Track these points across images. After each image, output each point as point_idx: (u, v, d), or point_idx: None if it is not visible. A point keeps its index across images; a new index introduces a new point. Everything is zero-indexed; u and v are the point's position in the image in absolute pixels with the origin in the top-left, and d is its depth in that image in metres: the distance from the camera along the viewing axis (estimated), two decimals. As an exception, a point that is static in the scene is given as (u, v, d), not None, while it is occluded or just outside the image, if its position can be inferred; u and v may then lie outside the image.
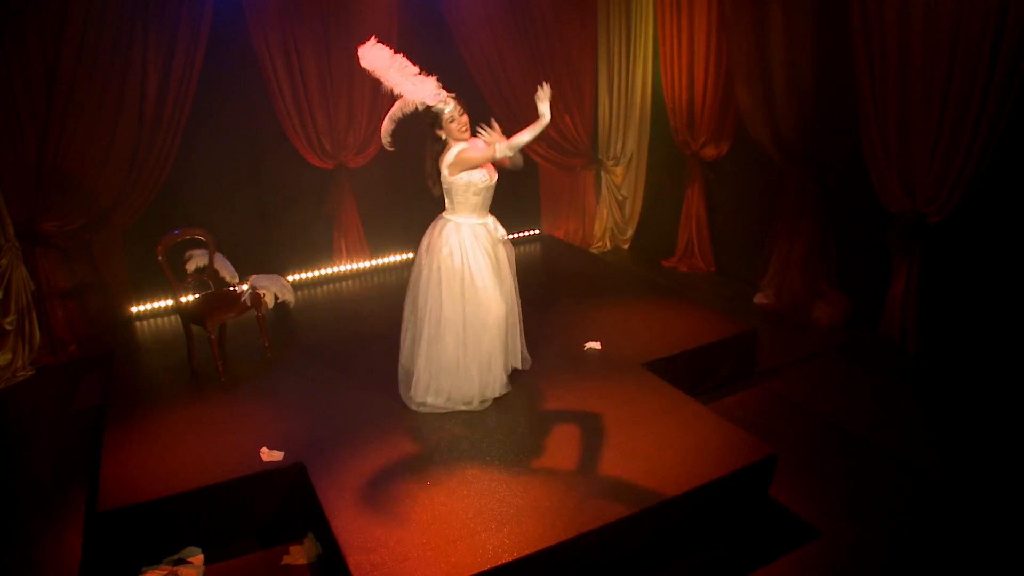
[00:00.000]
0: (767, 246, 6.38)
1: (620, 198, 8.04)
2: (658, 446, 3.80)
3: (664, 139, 7.46)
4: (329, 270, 6.83)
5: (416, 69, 3.86)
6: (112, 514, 3.48)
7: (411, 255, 6.71)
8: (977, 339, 4.99)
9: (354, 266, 6.88)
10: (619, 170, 7.95)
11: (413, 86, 3.78)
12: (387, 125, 3.90)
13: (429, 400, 4.14)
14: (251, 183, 6.42)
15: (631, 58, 7.54)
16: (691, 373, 4.91)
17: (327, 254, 6.87)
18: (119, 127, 5.59)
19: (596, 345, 5.01)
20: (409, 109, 3.82)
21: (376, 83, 6.13)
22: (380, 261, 7.04)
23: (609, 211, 8.15)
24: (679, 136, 7.22)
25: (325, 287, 6.59)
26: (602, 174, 8.07)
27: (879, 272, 5.56)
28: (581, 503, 3.39)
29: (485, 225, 4.00)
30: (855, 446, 4.30)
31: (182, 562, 3.50)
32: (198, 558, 3.53)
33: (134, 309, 6.11)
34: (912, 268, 5.27)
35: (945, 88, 4.80)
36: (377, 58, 3.81)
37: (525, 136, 3.81)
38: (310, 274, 6.75)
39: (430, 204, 6.88)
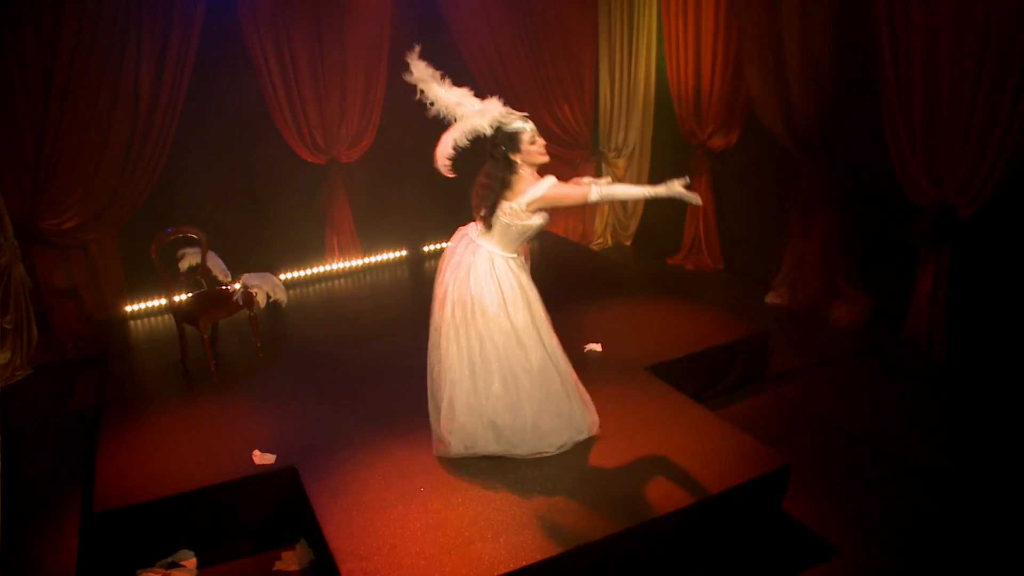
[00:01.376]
0: (780, 241, 6.20)
1: (622, 192, 7.80)
2: (663, 455, 3.72)
3: (669, 129, 7.30)
4: (321, 268, 6.83)
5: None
6: (107, 515, 3.55)
7: (404, 252, 7.11)
8: (1011, 342, 4.78)
9: (346, 264, 6.89)
10: (621, 162, 7.76)
11: (480, 104, 3.51)
12: (446, 151, 3.53)
13: (480, 448, 3.78)
14: (243, 180, 6.46)
15: (634, 43, 7.38)
16: (698, 377, 4.82)
17: (319, 252, 6.84)
18: (114, 124, 5.68)
19: (597, 347, 4.93)
20: (472, 134, 3.50)
21: (368, 77, 6.50)
22: (373, 259, 7.03)
23: (610, 206, 7.99)
24: (685, 125, 7.04)
25: (317, 286, 6.62)
26: (603, 167, 7.88)
27: (904, 269, 5.38)
28: (581, 513, 3.35)
29: (516, 258, 3.71)
30: (876, 457, 4.19)
31: (175, 565, 3.56)
32: (191, 561, 3.59)
33: (128, 308, 6.18)
34: (940, 265, 5.09)
35: (978, 66, 4.55)
36: (425, 72, 3.52)
37: (627, 190, 3.62)
38: (302, 272, 6.76)
39: (424, 201, 6.97)
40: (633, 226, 8.02)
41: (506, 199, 3.50)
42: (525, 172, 3.53)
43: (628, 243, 8.05)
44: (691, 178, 6.77)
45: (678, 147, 7.20)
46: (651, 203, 7.68)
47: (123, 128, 5.69)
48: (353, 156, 6.61)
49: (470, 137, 3.49)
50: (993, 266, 4.90)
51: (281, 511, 3.83)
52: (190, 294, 5.06)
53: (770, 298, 6.32)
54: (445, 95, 3.50)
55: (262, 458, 3.86)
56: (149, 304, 6.20)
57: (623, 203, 7.98)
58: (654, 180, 7.11)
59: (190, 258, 5.03)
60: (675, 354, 4.79)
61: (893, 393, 4.84)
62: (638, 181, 7.79)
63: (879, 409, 4.64)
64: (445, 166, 3.54)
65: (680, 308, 5.55)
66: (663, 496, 3.39)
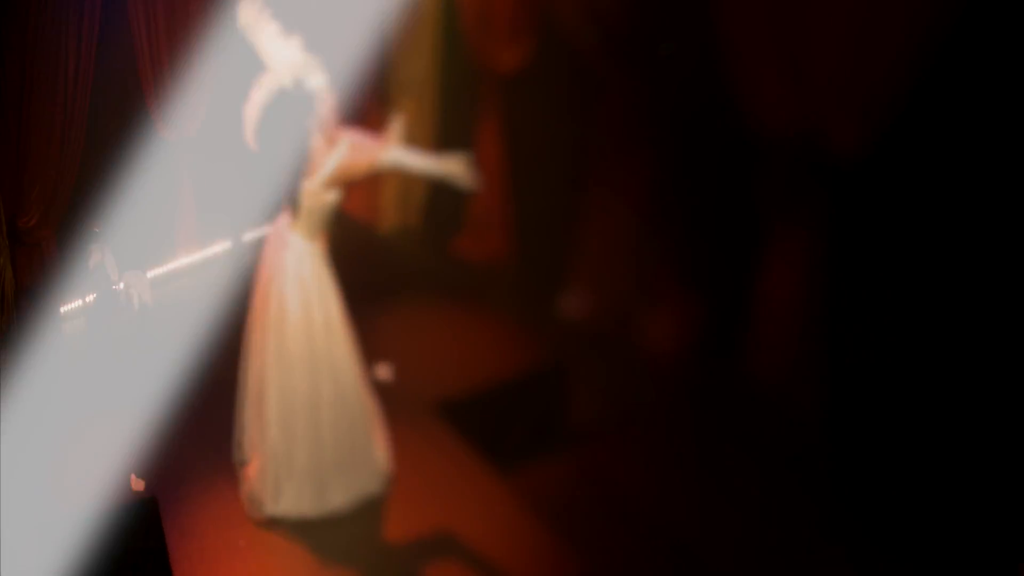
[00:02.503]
0: (578, 213, 4.92)
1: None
2: (451, 542, 3.69)
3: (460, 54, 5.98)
4: (175, 263, 6.75)
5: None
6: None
7: (229, 244, 6.97)
8: (938, 389, 3.17)
9: (188, 259, 6.79)
10: (410, 105, 6.28)
11: (284, 50, 3.38)
12: (252, 118, 3.37)
13: (291, 509, 3.77)
14: (123, 165, 6.41)
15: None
16: (484, 424, 4.57)
17: (171, 244, 6.78)
18: (55, 111, 5.94)
19: (387, 372, 4.78)
20: (277, 93, 3.35)
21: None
22: (210, 252, 6.82)
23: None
24: (470, 39, 5.66)
25: (175, 283, 6.70)
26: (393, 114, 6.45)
27: (745, 255, 3.93)
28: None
29: (321, 247, 3.71)
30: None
31: None
32: None
33: (62, 308, 6.47)
34: (808, 247, 3.68)
35: None
36: (250, 14, 3.50)
37: (413, 160, 3.49)
38: (163, 268, 6.72)
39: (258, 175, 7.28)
40: (420, 196, 6.65)
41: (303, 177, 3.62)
42: (318, 142, 3.50)
43: (413, 220, 6.77)
44: (477, 123, 5.97)
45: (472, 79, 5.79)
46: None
47: (59, 115, 6.04)
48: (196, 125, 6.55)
49: (275, 98, 3.40)
50: (907, 248, 3.27)
51: (145, 546, 4.27)
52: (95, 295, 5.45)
53: (566, 307, 5.06)
54: (267, 43, 3.42)
55: (137, 483, 4.15)
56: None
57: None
58: (448, 129, 6.22)
59: (96, 254, 5.24)
60: (458, 389, 4.59)
61: (737, 484, 3.64)
62: (431, 132, 6.37)
63: (715, 511, 3.58)
64: (253, 139, 3.45)
65: (459, 320, 5.20)
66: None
